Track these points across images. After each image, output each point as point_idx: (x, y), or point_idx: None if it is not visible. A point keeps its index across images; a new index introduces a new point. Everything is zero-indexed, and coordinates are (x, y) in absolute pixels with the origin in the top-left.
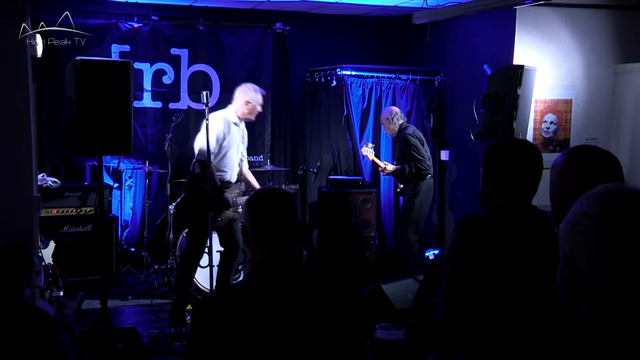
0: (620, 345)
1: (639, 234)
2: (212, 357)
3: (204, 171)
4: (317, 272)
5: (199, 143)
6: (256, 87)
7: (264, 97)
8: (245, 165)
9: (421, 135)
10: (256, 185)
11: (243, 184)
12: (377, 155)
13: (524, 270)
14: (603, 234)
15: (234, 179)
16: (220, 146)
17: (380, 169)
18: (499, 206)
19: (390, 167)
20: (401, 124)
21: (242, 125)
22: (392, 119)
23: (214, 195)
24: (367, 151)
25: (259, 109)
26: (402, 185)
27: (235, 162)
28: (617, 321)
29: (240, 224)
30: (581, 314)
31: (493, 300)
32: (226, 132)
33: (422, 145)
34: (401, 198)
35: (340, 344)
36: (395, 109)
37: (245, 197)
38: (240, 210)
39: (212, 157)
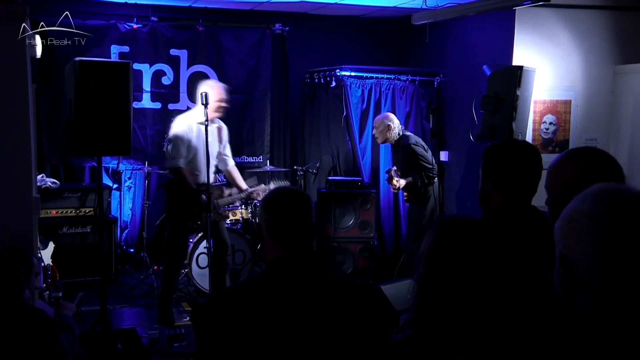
0: (618, 341)
1: (633, 229)
2: (225, 354)
3: (176, 176)
4: (330, 272)
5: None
6: (218, 82)
7: (227, 91)
8: (230, 163)
9: (422, 141)
10: (242, 183)
11: (230, 189)
12: (377, 159)
13: (499, 272)
14: (597, 229)
15: (202, 180)
16: (187, 149)
17: (394, 189)
18: (499, 206)
19: (402, 182)
20: (397, 134)
21: (216, 124)
22: (395, 128)
23: (192, 199)
24: (392, 179)
25: (224, 104)
26: (406, 194)
27: (204, 163)
28: (613, 316)
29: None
30: (578, 311)
31: (464, 299)
32: (189, 135)
33: (427, 151)
34: (401, 200)
35: (352, 345)
36: (395, 119)
37: (228, 198)
38: (222, 212)
39: (183, 161)
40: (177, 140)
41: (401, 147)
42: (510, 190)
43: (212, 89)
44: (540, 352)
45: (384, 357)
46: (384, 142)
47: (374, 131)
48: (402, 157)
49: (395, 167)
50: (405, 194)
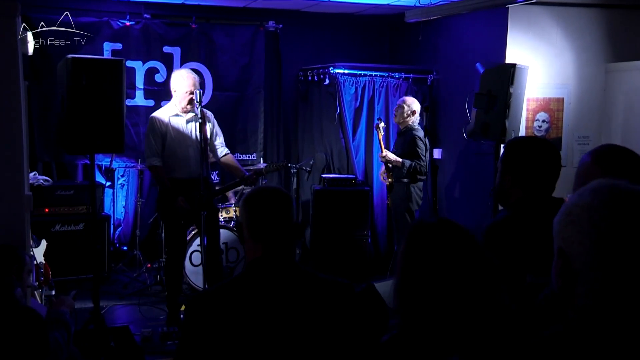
0: (614, 333)
1: (629, 222)
2: (205, 354)
3: (153, 175)
4: (311, 271)
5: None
6: (188, 71)
7: (196, 79)
8: (222, 152)
9: (427, 141)
10: (239, 171)
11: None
12: (371, 156)
13: (473, 273)
14: (594, 222)
15: (187, 175)
16: (162, 145)
17: (380, 153)
18: (518, 200)
19: (392, 156)
20: (413, 122)
21: (192, 114)
22: (414, 115)
23: (169, 197)
24: (380, 128)
25: (193, 95)
26: (390, 180)
27: (183, 158)
28: (610, 309)
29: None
30: (575, 304)
31: (442, 301)
32: (162, 130)
33: (425, 150)
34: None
35: (332, 344)
36: (417, 108)
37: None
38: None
39: (157, 159)
40: (149, 137)
41: (406, 135)
42: (530, 186)
43: (180, 79)
44: (537, 344)
45: (372, 356)
46: (398, 123)
47: (397, 109)
48: (403, 142)
49: (385, 125)
50: (389, 180)
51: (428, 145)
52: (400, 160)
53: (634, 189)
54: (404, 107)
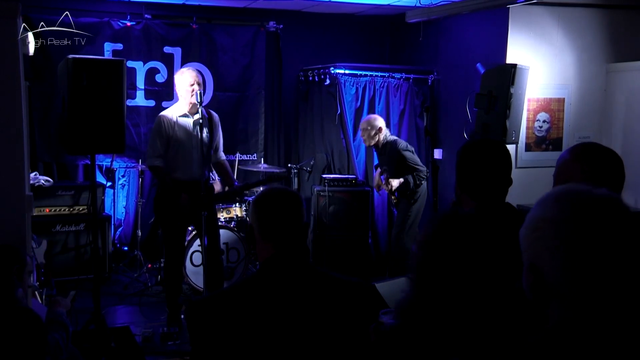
0: (589, 346)
1: (597, 234)
2: (221, 356)
3: (154, 175)
4: (325, 271)
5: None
6: (189, 67)
7: (199, 73)
8: (219, 157)
9: (409, 145)
10: (229, 179)
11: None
12: (371, 157)
13: (492, 264)
14: (562, 237)
15: (188, 176)
16: (167, 146)
17: (386, 189)
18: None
19: (395, 182)
20: (384, 137)
21: (197, 115)
22: (384, 131)
23: (170, 197)
24: (384, 171)
25: (197, 87)
26: (395, 198)
27: (187, 159)
28: (584, 321)
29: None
30: (550, 317)
31: (460, 293)
32: (168, 130)
33: (414, 154)
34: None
35: (347, 343)
36: (382, 123)
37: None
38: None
39: (160, 160)
40: (154, 137)
41: (389, 151)
42: (475, 193)
43: (181, 76)
44: (523, 350)
45: (371, 348)
46: (370, 145)
47: (362, 134)
48: (390, 160)
49: (381, 170)
50: (394, 198)
51: (412, 148)
52: (402, 180)
53: (596, 195)
54: (368, 129)
